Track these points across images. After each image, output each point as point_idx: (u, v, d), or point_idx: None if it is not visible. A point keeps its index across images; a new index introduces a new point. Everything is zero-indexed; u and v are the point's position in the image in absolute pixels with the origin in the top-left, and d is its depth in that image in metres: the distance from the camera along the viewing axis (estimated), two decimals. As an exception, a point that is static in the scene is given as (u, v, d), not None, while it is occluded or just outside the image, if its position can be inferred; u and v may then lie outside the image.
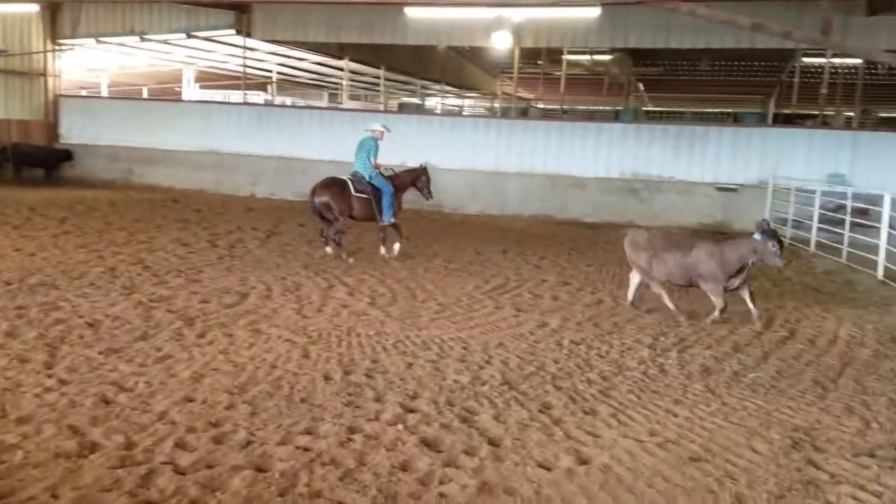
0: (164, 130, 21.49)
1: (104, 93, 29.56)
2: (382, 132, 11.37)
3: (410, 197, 12.20)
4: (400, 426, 5.02)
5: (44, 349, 6.25)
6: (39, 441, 4.51)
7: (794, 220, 15.08)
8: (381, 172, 11.26)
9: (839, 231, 13.32)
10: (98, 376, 5.69)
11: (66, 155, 21.88)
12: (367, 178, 11.11)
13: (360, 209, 11.09)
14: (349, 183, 11.06)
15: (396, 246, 11.40)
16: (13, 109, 21.80)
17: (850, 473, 4.65)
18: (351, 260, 10.90)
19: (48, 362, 5.94)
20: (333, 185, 11.02)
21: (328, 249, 11.20)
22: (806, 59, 22.25)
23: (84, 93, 28.26)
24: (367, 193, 11.05)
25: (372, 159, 11.10)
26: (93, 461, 4.30)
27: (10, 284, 8.45)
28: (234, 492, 4.04)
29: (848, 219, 13.19)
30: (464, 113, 28.94)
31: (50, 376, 5.62)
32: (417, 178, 11.65)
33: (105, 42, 22.51)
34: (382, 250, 11.38)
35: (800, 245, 14.47)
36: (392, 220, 11.28)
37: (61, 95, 23.14)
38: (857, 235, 12.79)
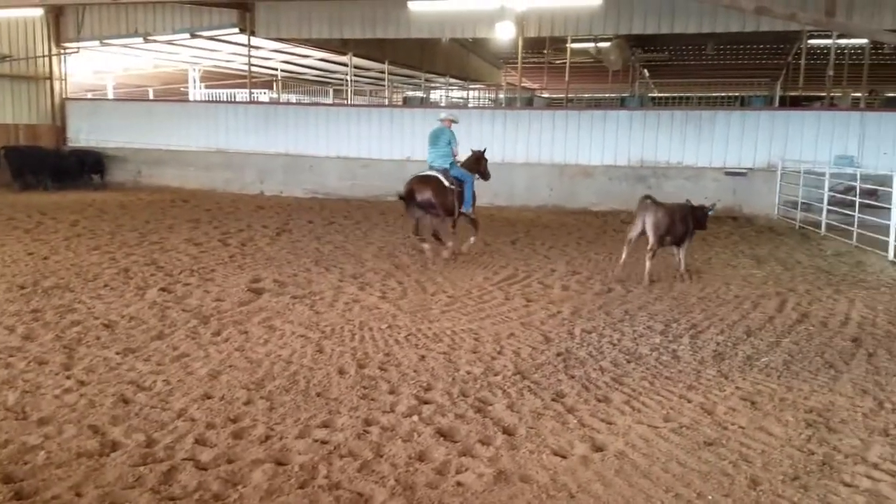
0: (172, 131, 21.58)
1: (110, 95, 29.71)
2: (452, 121, 11.05)
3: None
4: (415, 417, 5.07)
5: (61, 351, 6.33)
6: (61, 441, 4.58)
7: (803, 203, 15.04)
8: (456, 162, 10.94)
9: (849, 213, 13.28)
10: (116, 376, 5.77)
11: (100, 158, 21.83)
12: (449, 169, 10.74)
13: (452, 201, 10.67)
14: (441, 177, 10.54)
15: (472, 239, 11.11)
16: (20, 114, 21.91)
17: (865, 453, 4.68)
18: (445, 254, 10.68)
19: (66, 364, 6.01)
20: (430, 182, 10.47)
21: (426, 247, 10.71)
22: (812, 41, 22.17)
23: (90, 95, 28.38)
24: (454, 185, 10.65)
25: (454, 147, 10.75)
26: (114, 459, 4.37)
27: (25, 288, 8.54)
28: (256, 485, 4.10)
29: (857, 200, 13.16)
30: (469, 105, 28.89)
31: (69, 377, 5.69)
32: (479, 163, 11.42)
33: (109, 44, 22.60)
34: (447, 247, 10.83)
35: (810, 228, 14.43)
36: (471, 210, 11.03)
37: (68, 99, 23.25)
38: (866, 217, 12.75)
